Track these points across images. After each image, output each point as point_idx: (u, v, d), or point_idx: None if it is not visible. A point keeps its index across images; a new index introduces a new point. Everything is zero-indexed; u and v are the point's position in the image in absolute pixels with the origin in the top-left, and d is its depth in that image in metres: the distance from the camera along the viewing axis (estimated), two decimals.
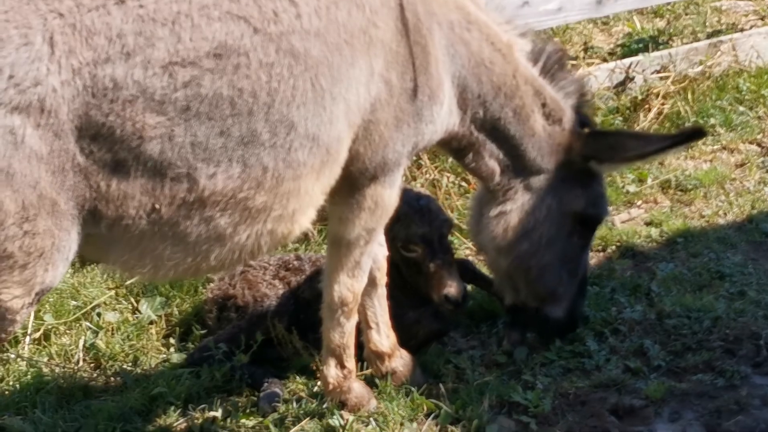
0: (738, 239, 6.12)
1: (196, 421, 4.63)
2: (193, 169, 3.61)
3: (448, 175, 6.61)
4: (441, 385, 4.66)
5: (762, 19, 9.63)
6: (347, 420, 4.44)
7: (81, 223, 3.52)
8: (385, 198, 4.27)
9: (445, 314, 5.05)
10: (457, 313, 5.11)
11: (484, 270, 5.43)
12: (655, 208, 6.71)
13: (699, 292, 5.46)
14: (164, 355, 5.24)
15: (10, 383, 5.01)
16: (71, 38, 3.35)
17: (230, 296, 5.21)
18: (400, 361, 4.78)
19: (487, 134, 4.54)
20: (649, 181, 6.93)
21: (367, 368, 4.80)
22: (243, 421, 4.58)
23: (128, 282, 5.52)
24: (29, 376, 5.02)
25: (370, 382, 4.73)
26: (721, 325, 5.08)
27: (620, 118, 7.51)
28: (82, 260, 5.32)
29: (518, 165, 4.64)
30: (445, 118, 4.34)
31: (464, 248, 6.13)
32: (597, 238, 5.49)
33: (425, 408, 4.55)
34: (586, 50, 8.78)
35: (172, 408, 4.72)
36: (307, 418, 4.51)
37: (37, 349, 5.30)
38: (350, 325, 4.53)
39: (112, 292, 5.63)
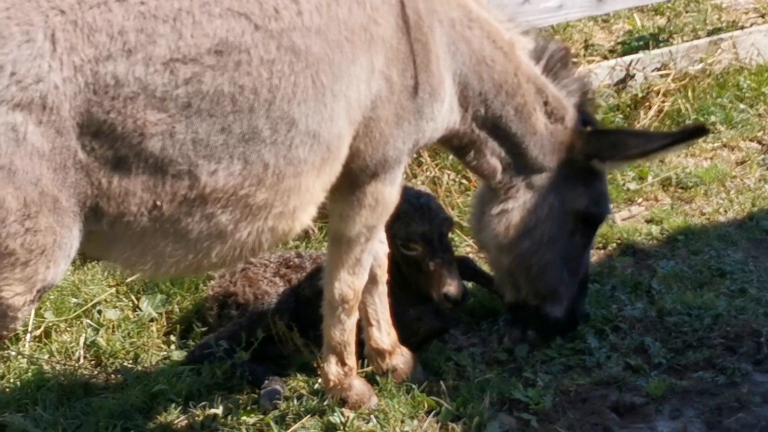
0: (738, 237, 6.12)
1: (196, 418, 4.63)
2: (194, 166, 3.61)
3: (449, 172, 6.61)
4: (442, 383, 4.66)
5: (762, 16, 9.62)
6: (348, 417, 4.44)
7: (82, 220, 3.52)
8: (386, 195, 4.27)
9: (445, 312, 5.05)
10: (457, 312, 5.11)
11: (485, 267, 5.43)
12: (655, 205, 6.71)
13: (700, 289, 5.46)
14: (165, 353, 5.24)
15: (11, 380, 5.01)
16: (73, 35, 3.35)
17: (231, 293, 5.21)
18: (401, 358, 4.78)
19: (489, 132, 4.54)
20: (650, 178, 6.93)
21: (367, 365, 4.80)
22: (244, 418, 4.58)
23: (129, 279, 5.53)
24: (30, 374, 5.02)
25: (370, 379, 4.73)
26: (721, 322, 5.08)
27: (621, 116, 7.52)
28: (83, 257, 5.32)
29: (520, 163, 4.64)
30: (445, 115, 4.34)
31: (465, 246, 6.13)
32: (598, 235, 5.49)
33: (426, 405, 4.55)
34: (586, 48, 8.78)
35: (173, 405, 4.72)
36: (308, 416, 4.51)
37: (38, 346, 5.30)
38: (351, 323, 4.53)
39: (113, 290, 5.64)
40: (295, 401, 4.63)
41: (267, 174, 3.76)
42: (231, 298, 5.20)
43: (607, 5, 8.15)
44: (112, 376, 5.07)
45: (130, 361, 5.18)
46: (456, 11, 4.33)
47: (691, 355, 4.88)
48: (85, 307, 5.47)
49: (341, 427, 4.40)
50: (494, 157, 4.60)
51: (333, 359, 4.57)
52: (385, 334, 4.75)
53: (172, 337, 5.35)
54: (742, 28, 9.10)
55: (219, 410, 4.62)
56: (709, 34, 8.92)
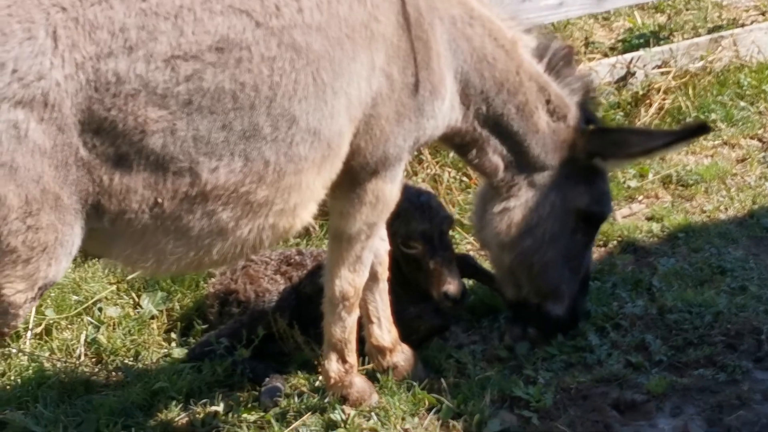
0: (739, 234, 6.12)
1: (197, 415, 4.63)
2: (195, 163, 3.61)
3: (450, 170, 6.62)
4: (442, 380, 4.66)
5: (763, 14, 9.62)
6: (349, 414, 4.44)
7: (84, 217, 3.52)
8: (386, 193, 4.27)
9: (445, 310, 5.05)
10: (457, 310, 5.10)
11: (486, 265, 5.43)
12: (656, 203, 6.71)
13: (700, 287, 5.46)
14: (165, 350, 5.24)
15: (12, 378, 5.01)
16: (74, 32, 3.35)
17: (232, 291, 5.22)
18: (402, 355, 4.78)
19: (491, 130, 4.53)
20: (650, 176, 6.93)
21: (368, 363, 4.80)
22: (244, 415, 4.58)
23: (129, 277, 5.53)
24: (31, 371, 5.02)
25: (371, 376, 4.73)
26: (722, 320, 5.08)
27: (621, 113, 7.52)
28: (84, 255, 5.32)
29: (522, 161, 4.64)
30: (446, 113, 4.34)
31: (465, 243, 6.13)
32: (598, 233, 5.48)
33: (427, 403, 4.55)
34: (587, 45, 8.77)
35: (174, 403, 4.72)
36: (309, 413, 4.51)
37: (39, 343, 5.31)
38: (351, 320, 4.53)
39: (114, 287, 5.64)
40: (296, 398, 4.63)
41: (268, 171, 3.76)
42: (232, 296, 5.20)
43: (607, 3, 8.16)
44: (113, 373, 5.07)
45: (131, 359, 5.18)
46: (457, 9, 4.32)
47: (692, 352, 4.87)
48: (86, 305, 5.48)
49: (342, 425, 4.40)
50: (496, 156, 4.60)
51: (334, 356, 4.57)
52: (385, 332, 4.75)
53: (173, 335, 5.35)
54: (743, 25, 9.10)
55: (220, 408, 4.62)
56: (710, 31, 8.92)
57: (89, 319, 5.41)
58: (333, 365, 4.57)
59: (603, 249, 6.09)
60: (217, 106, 3.59)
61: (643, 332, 5.04)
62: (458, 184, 6.59)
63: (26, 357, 5.14)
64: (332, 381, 4.57)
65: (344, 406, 4.49)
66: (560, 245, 4.75)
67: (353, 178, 4.16)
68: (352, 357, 4.59)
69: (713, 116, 7.63)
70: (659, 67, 7.94)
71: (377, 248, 4.58)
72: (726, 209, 6.52)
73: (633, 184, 6.85)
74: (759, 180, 6.90)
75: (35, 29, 3.31)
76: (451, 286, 4.84)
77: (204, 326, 5.29)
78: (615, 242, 6.16)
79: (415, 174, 6.49)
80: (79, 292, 5.55)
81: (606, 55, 8.51)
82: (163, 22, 3.47)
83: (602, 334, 5.06)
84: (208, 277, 5.53)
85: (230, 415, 4.60)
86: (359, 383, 4.59)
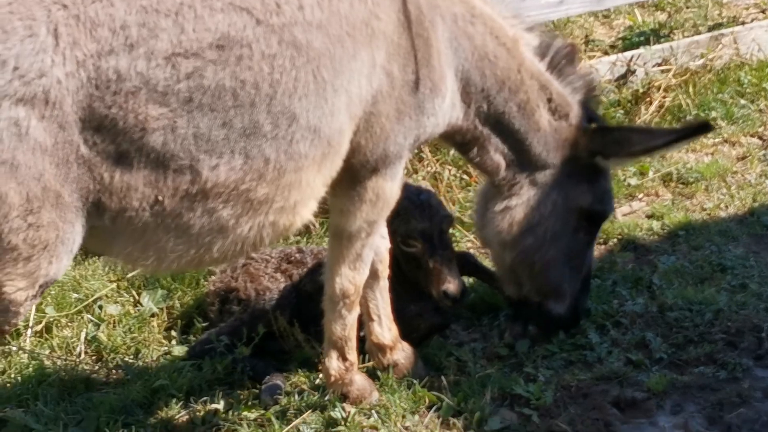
0: (739, 232, 6.12)
1: (197, 413, 4.63)
2: (195, 161, 3.62)
3: (450, 167, 6.62)
4: (443, 378, 4.66)
5: (763, 12, 9.61)
6: (349, 412, 4.44)
7: (85, 215, 3.52)
8: (387, 190, 4.27)
9: (445, 308, 5.05)
10: (456, 308, 5.10)
11: (486, 263, 5.43)
12: (656, 200, 6.71)
13: (701, 284, 5.47)
14: (166, 348, 5.24)
15: (12, 376, 5.01)
16: (75, 30, 3.36)
17: (232, 289, 5.21)
18: (402, 353, 4.78)
19: (492, 128, 4.53)
20: (651, 174, 6.92)
21: (368, 361, 4.80)
22: (245, 413, 4.58)
23: (130, 275, 5.52)
24: (31, 369, 5.02)
25: (371, 374, 4.73)
26: (722, 317, 5.08)
27: (621, 111, 7.52)
28: (85, 253, 5.32)
29: (523, 160, 4.63)
30: (447, 111, 4.34)
31: (465, 241, 6.13)
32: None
33: (427, 400, 4.55)
34: (587, 43, 8.77)
35: (174, 400, 4.72)
36: (309, 411, 4.51)
37: (39, 341, 5.30)
38: (352, 318, 4.53)
39: (114, 285, 5.63)
40: (296, 396, 4.63)
41: (268, 169, 3.76)
42: (232, 294, 5.20)
43: (608, 1, 8.17)
44: (113, 371, 5.07)
45: (131, 357, 5.17)
46: (458, 7, 4.32)
47: (692, 350, 4.88)
48: (86, 303, 5.47)
49: (342, 422, 4.40)
50: (497, 154, 4.59)
51: (334, 354, 4.57)
52: (386, 330, 4.75)
53: (173, 333, 5.35)
54: (743, 23, 9.09)
55: (220, 405, 4.61)
56: (710, 29, 8.92)
57: (89, 316, 5.41)
58: (333, 363, 4.57)
59: (603, 247, 6.08)
60: (218, 104, 3.59)
61: (644, 330, 5.05)
62: (459, 182, 6.60)
63: (26, 355, 5.14)
64: (333, 379, 4.57)
65: (345, 404, 4.49)
66: (562, 244, 4.75)
67: (353, 176, 4.16)
68: (353, 355, 4.59)
69: (713, 114, 7.62)
70: (659, 65, 7.93)
71: (378, 246, 4.58)
72: (726, 207, 6.52)
73: (633, 181, 6.85)
74: (759, 178, 6.91)
75: (36, 26, 3.31)
76: (451, 285, 4.83)
77: (204, 324, 5.28)
78: (615, 240, 6.16)
79: (416, 172, 6.49)
80: (79, 289, 5.55)
81: (606, 53, 8.51)
82: (163, 19, 3.47)
83: (602, 332, 5.06)
84: (209, 274, 5.53)
85: (230, 412, 4.60)
86: (360, 381, 4.59)
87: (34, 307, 5.14)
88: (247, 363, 4.89)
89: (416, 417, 4.47)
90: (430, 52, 4.14)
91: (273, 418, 4.48)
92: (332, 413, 4.43)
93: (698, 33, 8.85)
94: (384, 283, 4.74)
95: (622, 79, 7.74)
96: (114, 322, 5.37)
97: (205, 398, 4.70)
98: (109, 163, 3.49)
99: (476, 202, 5.08)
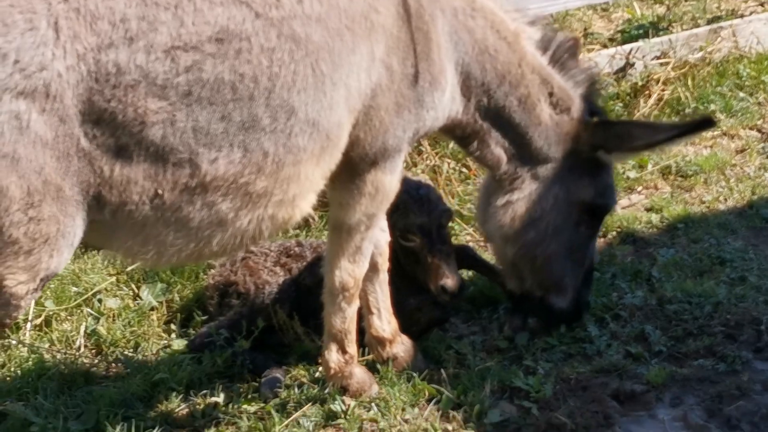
0: (738, 225, 6.13)
1: (197, 406, 4.64)
2: (194, 155, 3.62)
3: (449, 161, 6.62)
4: (442, 371, 4.66)
5: (762, 5, 9.62)
6: (349, 405, 4.45)
7: (85, 209, 3.52)
8: (386, 183, 4.27)
9: (443, 303, 5.05)
10: (455, 302, 5.09)
11: (485, 256, 5.43)
12: (655, 194, 6.71)
13: (700, 277, 5.47)
14: (165, 342, 5.25)
15: (12, 369, 5.01)
16: (75, 23, 3.35)
17: (232, 282, 5.22)
18: (402, 346, 4.79)
19: (492, 122, 4.52)
20: (650, 167, 6.93)
21: (368, 354, 4.80)
22: (245, 406, 4.59)
23: (129, 268, 5.53)
24: (31, 363, 5.02)
25: (371, 367, 4.73)
26: (722, 310, 5.09)
27: (620, 104, 7.52)
28: (84, 246, 5.32)
29: (525, 154, 4.62)
30: (447, 104, 4.33)
31: (465, 234, 6.13)
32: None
33: (427, 393, 4.56)
34: (586, 36, 8.77)
35: (174, 394, 4.72)
36: (309, 404, 4.51)
37: (39, 335, 5.31)
38: (351, 311, 4.54)
39: (113, 279, 5.64)
40: (296, 389, 4.63)
41: (267, 162, 3.76)
42: (232, 287, 5.20)
43: None
44: (113, 364, 5.08)
45: (131, 350, 5.18)
46: (459, 0, 4.31)
47: (692, 343, 4.88)
48: (86, 296, 5.48)
49: (342, 415, 4.41)
50: (498, 148, 4.58)
51: (334, 347, 4.57)
52: (385, 323, 4.75)
53: (173, 326, 5.36)
54: (742, 16, 9.10)
55: (220, 399, 4.62)
56: (709, 22, 8.92)
57: (89, 310, 5.41)
58: (333, 356, 4.57)
59: (602, 240, 6.08)
60: (217, 97, 3.59)
61: (643, 323, 5.05)
62: (458, 175, 6.60)
63: (26, 348, 5.14)
64: (332, 372, 4.58)
65: (344, 397, 4.49)
66: (563, 238, 4.75)
67: (352, 169, 4.16)
68: (352, 348, 4.59)
69: (712, 107, 7.63)
70: (658, 58, 7.94)
71: (377, 239, 4.58)
72: (725, 200, 6.52)
73: (632, 174, 6.86)
74: (758, 171, 6.91)
75: (37, 20, 3.31)
76: (449, 280, 4.83)
77: (204, 317, 5.29)
78: (614, 233, 6.17)
79: (415, 165, 6.49)
80: (78, 283, 5.55)
81: (605, 46, 8.52)
82: (163, 12, 3.47)
83: (602, 325, 5.06)
84: (208, 268, 5.54)
85: (230, 406, 4.60)
86: (359, 374, 4.59)
87: (33, 301, 5.14)
88: (246, 356, 4.89)
89: (416, 410, 4.47)
90: (429, 46, 4.13)
91: (273, 411, 4.48)
92: (332, 406, 4.44)
93: (697, 26, 8.86)
94: (384, 276, 4.74)
95: (621, 72, 7.75)
96: (113, 316, 5.38)
97: (204, 391, 4.70)
98: (109, 157, 3.49)
99: (478, 196, 5.08)
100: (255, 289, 5.13)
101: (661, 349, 4.85)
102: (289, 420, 4.42)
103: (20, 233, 3.38)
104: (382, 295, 4.74)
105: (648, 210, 6.49)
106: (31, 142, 3.31)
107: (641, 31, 8.67)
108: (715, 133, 7.42)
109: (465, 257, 5.28)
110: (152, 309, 5.47)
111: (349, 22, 3.86)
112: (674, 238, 6.03)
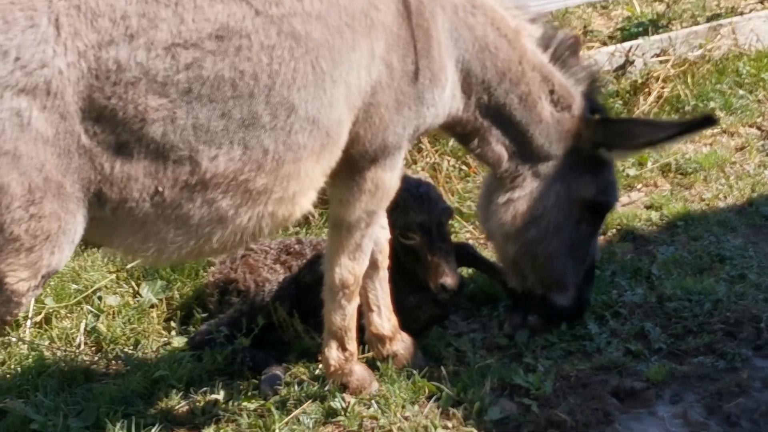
0: (738, 222, 6.13)
1: (197, 404, 4.63)
2: (195, 152, 3.62)
3: (449, 158, 6.62)
4: (442, 368, 4.66)
5: (761, 2, 9.62)
6: (349, 402, 4.45)
7: (86, 206, 3.53)
8: (386, 181, 4.27)
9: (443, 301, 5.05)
10: (454, 300, 5.09)
11: (485, 253, 5.43)
12: (655, 191, 6.72)
13: (699, 275, 5.47)
14: (165, 339, 5.25)
15: (12, 367, 5.01)
16: (76, 20, 3.35)
17: (231, 280, 5.22)
18: (402, 344, 4.79)
19: (492, 120, 4.52)
20: (649, 164, 6.93)
21: (368, 351, 4.80)
22: (245, 404, 4.59)
23: (129, 266, 5.52)
24: (31, 360, 5.02)
25: (371, 364, 4.73)
26: (721, 308, 5.09)
27: (620, 102, 7.52)
28: (84, 244, 5.32)
29: (526, 151, 4.62)
30: (447, 102, 4.33)
31: (464, 232, 6.13)
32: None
33: (427, 391, 4.56)
34: (585, 34, 8.76)
35: (174, 391, 4.72)
36: (309, 401, 4.51)
37: (39, 332, 5.30)
38: (351, 308, 4.54)
39: (113, 276, 5.64)
40: (296, 387, 4.63)
41: (267, 159, 3.76)
42: (232, 285, 5.20)
43: None
44: (113, 362, 5.07)
45: (131, 348, 5.18)
46: None
47: (691, 340, 4.88)
48: (86, 294, 5.47)
49: (342, 413, 4.41)
50: (499, 145, 4.58)
51: (334, 344, 4.57)
52: (385, 320, 4.75)
53: (173, 324, 5.36)
54: (742, 14, 9.10)
55: (220, 396, 4.62)
56: (709, 20, 8.92)
57: (89, 307, 5.41)
58: (333, 353, 4.57)
59: (602, 237, 6.07)
60: (217, 95, 3.59)
61: (643, 320, 5.05)
62: (457, 173, 6.60)
63: (26, 346, 5.14)
64: (332, 369, 4.58)
65: (344, 394, 4.50)
66: (565, 235, 4.75)
67: (352, 167, 4.16)
68: (352, 345, 4.59)
69: (712, 104, 7.64)
70: (658, 55, 7.94)
71: (377, 236, 4.58)
72: (725, 197, 6.53)
73: (632, 172, 6.86)
74: (758, 168, 6.92)
75: (38, 17, 3.31)
76: (448, 279, 4.82)
77: (204, 315, 5.28)
78: (614, 230, 6.17)
79: (415, 162, 6.49)
80: (78, 280, 5.55)
81: (605, 44, 8.51)
82: (163, 9, 3.47)
83: (601, 323, 5.07)
84: (208, 266, 5.53)
85: (230, 403, 4.60)
86: (359, 371, 4.59)
87: (33, 298, 5.14)
88: (246, 354, 4.89)
89: (416, 407, 4.47)
90: (429, 43, 4.13)
91: (273, 409, 4.48)
92: (332, 403, 4.44)
93: (696, 23, 8.85)
94: (383, 274, 4.74)
95: (621, 69, 7.74)
96: (113, 313, 5.38)
97: (204, 389, 4.70)
98: (109, 154, 3.49)
99: (479, 194, 5.08)
100: (255, 287, 5.13)
101: (660, 346, 4.85)
102: (289, 417, 4.42)
103: (21, 230, 3.39)
104: (382, 292, 4.74)
105: (648, 207, 6.49)
106: (32, 139, 3.31)
107: (641, 29, 8.66)
108: (715, 130, 7.42)
109: (465, 255, 5.28)
110: (152, 306, 5.47)
111: (349, 20, 3.86)
112: (674, 235, 6.04)
